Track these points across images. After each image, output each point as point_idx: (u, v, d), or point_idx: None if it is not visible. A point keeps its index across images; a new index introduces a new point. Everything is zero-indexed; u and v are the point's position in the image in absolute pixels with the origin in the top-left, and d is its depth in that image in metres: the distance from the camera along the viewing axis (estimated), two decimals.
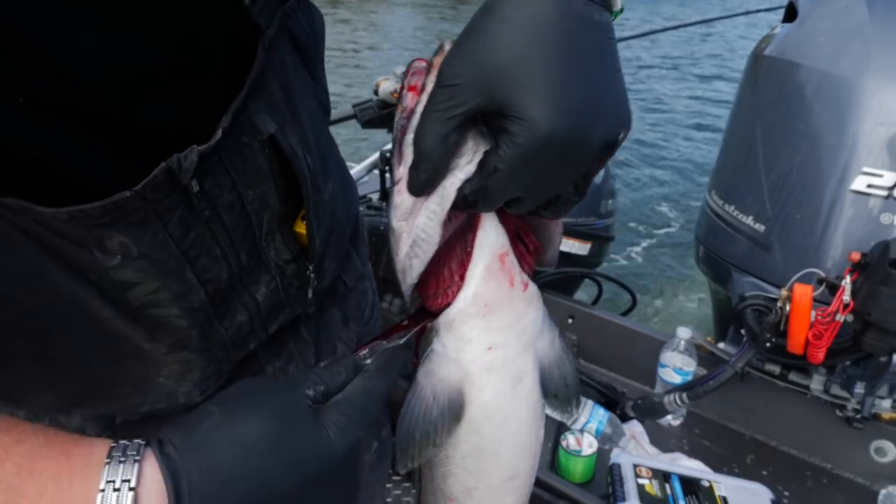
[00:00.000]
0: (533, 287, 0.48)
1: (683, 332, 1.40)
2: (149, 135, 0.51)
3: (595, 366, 1.65)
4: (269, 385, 0.43)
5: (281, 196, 0.62)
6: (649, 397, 1.38)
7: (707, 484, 1.18)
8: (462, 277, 0.45)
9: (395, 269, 0.47)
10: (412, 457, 0.48)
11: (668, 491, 1.17)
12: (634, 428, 1.44)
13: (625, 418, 1.44)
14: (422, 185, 0.43)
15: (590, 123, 0.39)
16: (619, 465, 1.23)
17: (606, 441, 1.37)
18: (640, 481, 1.18)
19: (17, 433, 0.40)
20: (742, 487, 1.17)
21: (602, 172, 1.97)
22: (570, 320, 1.70)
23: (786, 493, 1.27)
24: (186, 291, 0.57)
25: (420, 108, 0.42)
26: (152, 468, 0.38)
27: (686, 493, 1.17)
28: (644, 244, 3.58)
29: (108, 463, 0.38)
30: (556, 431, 1.37)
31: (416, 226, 0.44)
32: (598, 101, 0.39)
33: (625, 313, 1.83)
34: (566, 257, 1.85)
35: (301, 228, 0.68)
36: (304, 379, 0.44)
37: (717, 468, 1.30)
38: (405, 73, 0.44)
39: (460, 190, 0.42)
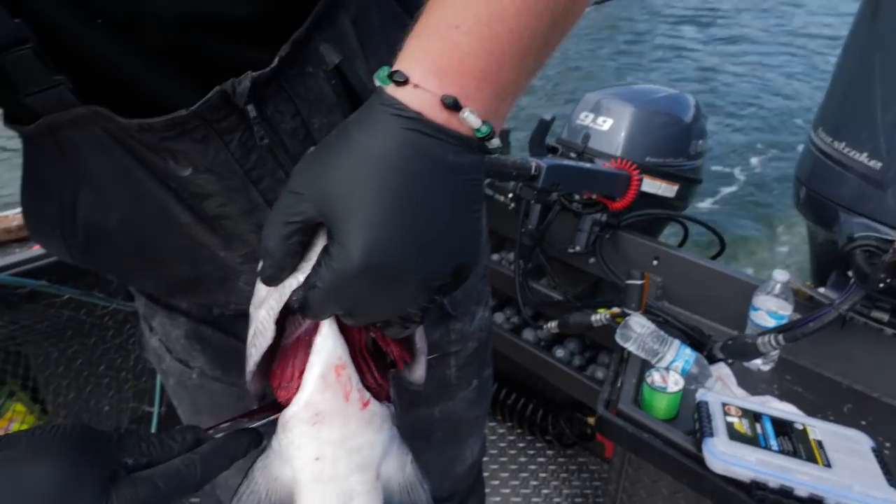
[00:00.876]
0: (376, 406, 0.47)
1: (780, 275, 1.35)
2: (217, 63, 0.54)
3: (680, 308, 1.62)
4: (89, 439, 0.41)
5: None
6: (741, 337, 1.35)
7: (801, 427, 1.15)
8: (301, 379, 0.45)
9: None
10: None
11: (759, 430, 1.14)
12: (722, 370, 1.41)
13: (712, 360, 1.41)
14: (266, 280, 0.44)
15: (408, 261, 0.39)
16: (706, 403, 1.21)
17: (692, 381, 1.35)
18: (729, 419, 1.16)
19: None
20: (839, 433, 1.14)
21: (692, 111, 1.89)
22: (654, 262, 1.67)
23: (887, 445, 1.22)
24: (252, 209, 0.62)
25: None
26: None
27: (778, 433, 1.14)
28: (733, 188, 3.44)
29: None
30: (640, 368, 1.36)
31: (258, 317, 0.45)
32: (421, 240, 0.38)
33: (713, 258, 1.78)
34: (651, 199, 1.80)
35: None
36: (133, 446, 0.43)
37: (810, 415, 1.27)
38: None
39: (292, 294, 0.43)
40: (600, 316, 1.58)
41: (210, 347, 0.78)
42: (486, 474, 1.59)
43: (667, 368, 1.33)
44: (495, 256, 1.96)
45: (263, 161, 0.59)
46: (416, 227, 0.38)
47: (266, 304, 0.45)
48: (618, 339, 1.41)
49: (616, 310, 1.55)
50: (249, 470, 0.48)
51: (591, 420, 1.77)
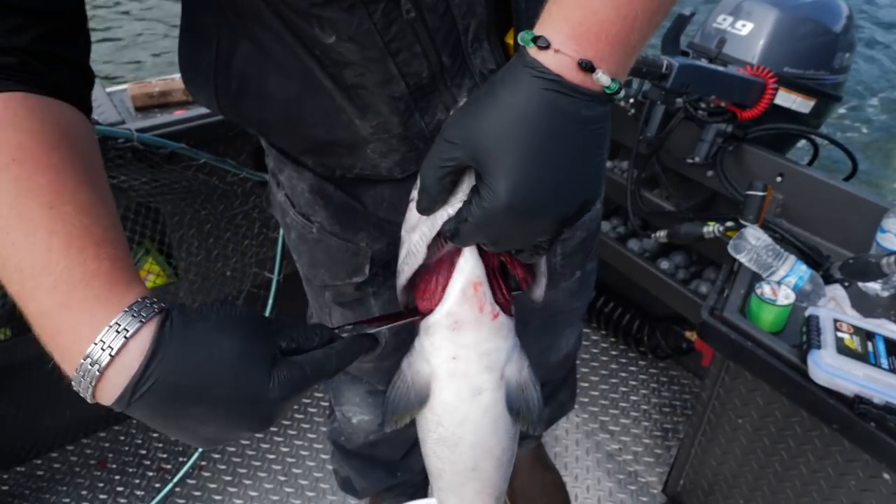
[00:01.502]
0: (504, 319, 0.56)
1: None
2: None
3: (799, 229, 1.54)
4: (259, 323, 0.49)
5: (491, 6, 0.65)
6: (864, 257, 1.28)
7: None
8: (443, 292, 0.53)
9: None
10: (394, 422, 0.57)
11: (871, 348, 1.10)
12: (836, 292, 1.34)
13: (828, 281, 1.35)
14: (422, 210, 0.52)
15: (545, 203, 0.45)
16: (817, 317, 1.17)
17: (804, 298, 1.30)
18: (840, 335, 1.12)
19: (98, 238, 0.48)
20: None
21: (843, 20, 1.73)
22: (778, 178, 1.58)
23: None
24: (388, 80, 0.66)
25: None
26: (148, 332, 0.45)
27: (890, 353, 1.09)
28: (872, 110, 3.13)
29: (126, 311, 0.46)
30: (750, 280, 1.32)
31: (411, 240, 0.53)
32: (556, 184, 0.45)
33: (844, 180, 1.66)
34: (784, 112, 1.68)
35: (511, 41, 0.70)
36: (286, 331, 0.50)
37: None
38: None
39: (444, 223, 0.50)
40: (712, 228, 1.53)
41: (331, 204, 0.84)
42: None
43: (778, 282, 1.29)
44: (608, 164, 1.92)
45: (403, 34, 0.63)
46: (552, 173, 0.44)
47: (419, 230, 0.53)
48: (730, 249, 1.37)
49: (730, 223, 1.50)
50: (400, 366, 0.58)
51: (689, 334, 1.75)
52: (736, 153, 1.65)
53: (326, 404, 1.79)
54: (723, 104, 1.56)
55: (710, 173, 1.70)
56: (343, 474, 1.40)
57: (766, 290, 1.25)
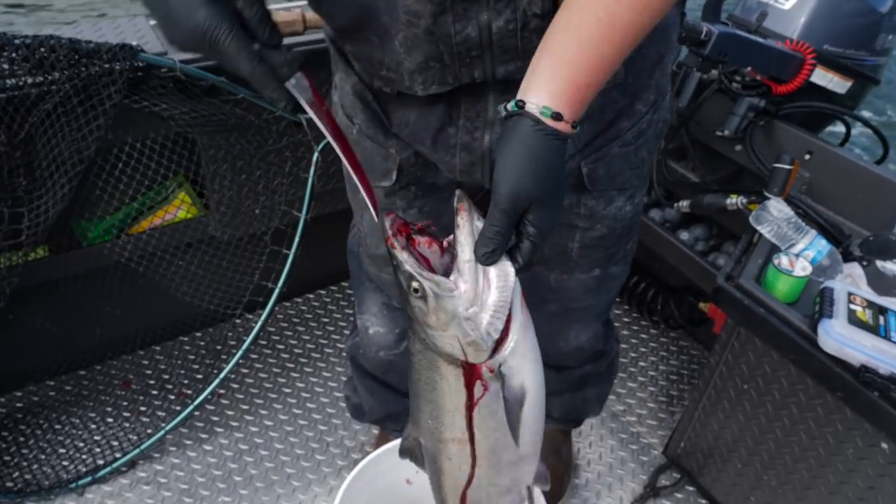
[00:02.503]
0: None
1: None
2: None
3: (823, 207, 1.55)
4: None
5: None
6: (886, 234, 1.29)
7: None
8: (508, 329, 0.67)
9: (468, 342, 0.66)
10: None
11: (882, 321, 1.12)
12: (854, 270, 1.36)
13: (846, 258, 1.37)
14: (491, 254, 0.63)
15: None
16: (832, 289, 1.19)
17: (821, 273, 1.32)
18: (853, 307, 1.14)
19: None
20: None
21: (891, 1, 1.70)
22: (807, 156, 1.58)
23: None
24: None
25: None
26: None
27: None
28: None
29: None
30: (768, 251, 1.34)
31: (491, 302, 0.65)
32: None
33: (876, 164, 1.66)
34: (819, 91, 1.68)
35: None
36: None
37: None
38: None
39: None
40: (736, 200, 1.55)
41: (369, 109, 0.92)
42: None
43: (797, 255, 1.31)
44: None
45: None
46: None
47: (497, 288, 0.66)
48: (751, 220, 1.38)
49: (753, 197, 1.52)
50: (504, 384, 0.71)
51: (702, 306, 1.78)
52: (766, 128, 1.65)
53: (343, 346, 1.85)
54: (759, 77, 1.56)
55: (738, 147, 1.70)
56: (354, 401, 1.46)
57: (783, 260, 1.27)
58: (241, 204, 1.63)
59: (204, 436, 1.61)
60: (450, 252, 0.67)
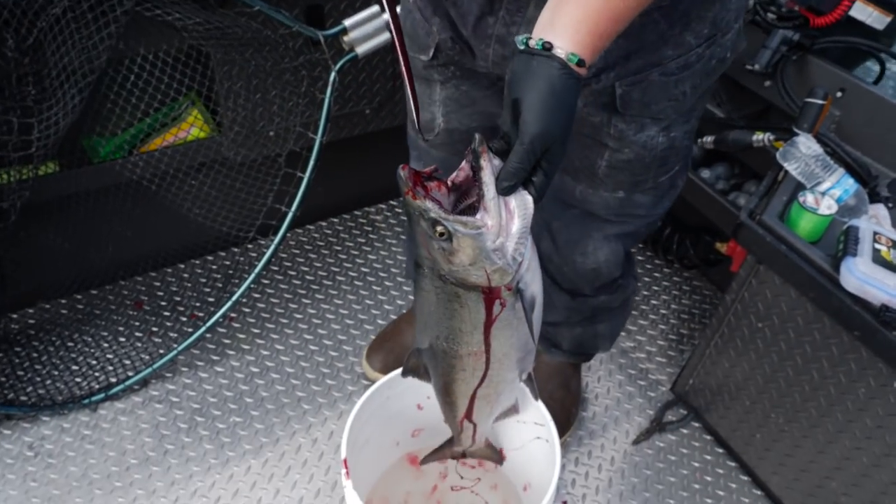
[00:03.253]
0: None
1: None
2: None
3: (852, 147, 1.50)
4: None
5: None
6: None
7: None
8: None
9: (494, 270, 0.70)
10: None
11: None
12: (879, 211, 1.33)
13: (873, 199, 1.33)
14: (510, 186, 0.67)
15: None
16: (857, 227, 1.16)
17: (846, 212, 1.29)
18: (878, 246, 1.12)
19: None
20: None
21: None
22: (839, 94, 1.53)
23: None
24: None
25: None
26: None
27: None
28: None
29: None
30: (793, 189, 1.31)
31: (515, 231, 0.69)
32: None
33: None
34: (856, 26, 1.60)
35: None
36: None
37: None
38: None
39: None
40: (762, 137, 1.50)
41: None
42: None
43: (823, 193, 1.27)
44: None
45: None
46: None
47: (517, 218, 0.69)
48: (778, 157, 1.34)
49: (780, 135, 1.47)
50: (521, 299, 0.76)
51: (719, 245, 1.75)
52: (799, 63, 1.59)
53: (355, 274, 1.85)
54: (796, 8, 1.50)
55: (767, 83, 1.64)
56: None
57: (808, 198, 1.24)
58: (255, 124, 1.59)
59: (215, 357, 1.63)
60: (455, 191, 0.70)
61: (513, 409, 1.07)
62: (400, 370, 1.23)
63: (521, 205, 0.68)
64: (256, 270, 1.52)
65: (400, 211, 2.05)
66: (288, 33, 1.40)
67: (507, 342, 0.81)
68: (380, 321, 1.73)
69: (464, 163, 0.69)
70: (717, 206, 1.67)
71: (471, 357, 0.83)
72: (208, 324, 1.55)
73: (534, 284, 0.76)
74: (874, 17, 1.63)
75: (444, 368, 0.88)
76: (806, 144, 1.32)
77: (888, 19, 1.64)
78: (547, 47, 0.64)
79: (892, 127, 1.46)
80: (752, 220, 1.24)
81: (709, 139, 1.62)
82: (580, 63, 0.64)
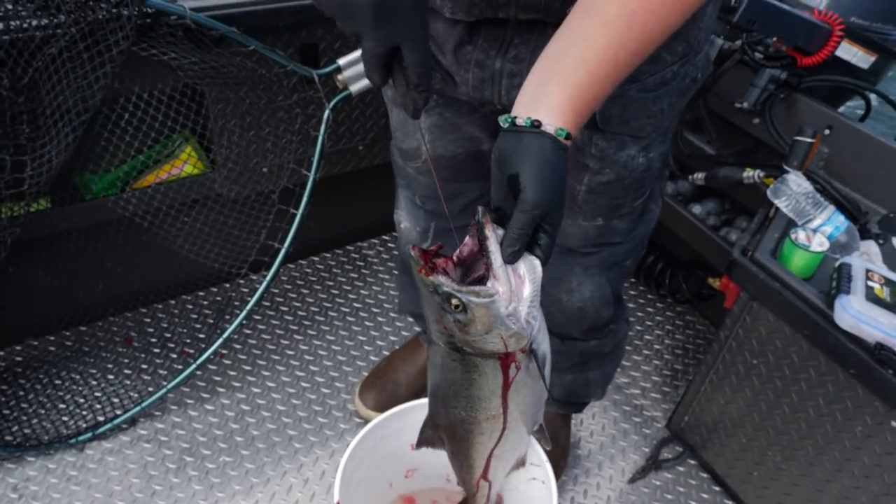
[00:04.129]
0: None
1: None
2: None
3: (841, 184, 1.52)
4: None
5: None
6: None
7: None
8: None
9: (510, 335, 0.71)
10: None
11: None
12: (870, 247, 1.34)
13: (863, 236, 1.34)
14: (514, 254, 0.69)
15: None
16: (850, 265, 1.17)
17: (837, 250, 1.30)
18: (871, 284, 1.13)
19: None
20: None
21: None
22: (826, 131, 1.55)
23: None
24: None
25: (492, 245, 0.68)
26: None
27: None
28: None
29: None
30: (785, 226, 1.32)
31: (527, 295, 0.70)
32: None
33: None
34: (841, 65, 1.64)
35: None
36: None
37: None
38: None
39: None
40: (752, 174, 1.52)
41: None
42: None
43: (814, 230, 1.28)
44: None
45: None
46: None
47: (529, 282, 0.71)
48: (769, 194, 1.36)
49: (769, 171, 1.49)
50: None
51: (711, 281, 1.76)
52: (787, 102, 1.61)
53: (348, 310, 1.84)
54: (784, 48, 1.53)
55: (756, 121, 1.67)
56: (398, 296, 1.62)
57: (800, 235, 1.25)
58: (248, 161, 1.60)
59: (206, 395, 1.61)
60: (461, 266, 0.72)
61: (522, 461, 1.08)
62: (393, 410, 1.22)
63: (530, 269, 0.69)
64: (248, 307, 1.51)
65: (392, 246, 2.05)
66: (282, 72, 1.41)
67: (524, 401, 0.84)
68: (372, 358, 1.72)
69: (467, 238, 0.71)
70: (709, 241, 1.68)
71: (489, 421, 0.85)
72: (198, 361, 1.53)
73: (544, 342, 0.78)
74: (859, 57, 1.67)
75: (461, 435, 0.90)
76: (796, 182, 1.34)
77: (872, 59, 1.68)
78: (536, 125, 0.68)
79: (881, 164, 1.48)
80: (745, 256, 1.25)
81: (700, 175, 1.64)
82: (567, 136, 0.68)
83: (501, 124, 0.70)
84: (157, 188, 1.55)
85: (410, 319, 1.82)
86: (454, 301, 0.68)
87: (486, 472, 1.00)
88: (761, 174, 1.50)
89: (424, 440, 0.98)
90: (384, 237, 2.07)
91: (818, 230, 1.29)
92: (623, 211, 1.10)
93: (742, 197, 1.72)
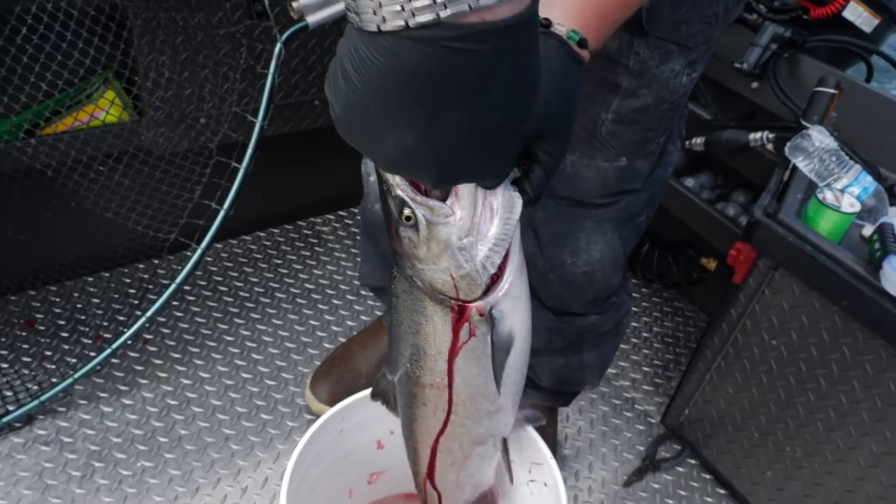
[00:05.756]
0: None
1: None
2: None
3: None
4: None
5: None
6: None
7: None
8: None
9: (461, 275, 0.59)
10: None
11: None
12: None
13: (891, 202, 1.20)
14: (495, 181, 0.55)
15: None
16: (891, 224, 1.01)
17: (864, 215, 1.14)
18: None
19: None
20: None
21: None
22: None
23: None
24: None
25: None
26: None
27: None
28: None
29: None
30: (805, 188, 1.16)
31: (491, 234, 0.57)
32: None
33: None
34: (846, 26, 1.51)
35: None
36: None
37: None
38: None
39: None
40: (760, 135, 1.36)
41: None
42: None
43: (841, 190, 1.13)
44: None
45: None
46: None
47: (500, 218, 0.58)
48: (787, 151, 1.20)
49: (781, 134, 1.34)
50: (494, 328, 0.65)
51: (706, 261, 1.60)
52: (790, 62, 1.47)
53: (298, 291, 1.60)
54: None
55: (754, 85, 1.53)
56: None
57: (828, 195, 1.09)
58: (182, 108, 1.35)
59: (123, 387, 1.34)
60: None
61: (489, 496, 0.89)
62: (354, 397, 0.99)
63: (507, 205, 0.56)
64: (179, 279, 1.25)
65: (350, 222, 1.81)
66: None
67: (474, 382, 0.69)
68: (326, 345, 1.48)
69: None
70: (705, 216, 1.51)
71: (433, 389, 0.71)
72: (115, 345, 1.26)
73: (514, 318, 0.64)
74: (864, 19, 1.55)
75: (406, 399, 0.75)
76: (819, 137, 1.18)
77: (876, 22, 1.56)
78: (544, 24, 0.55)
79: (894, 128, 1.35)
80: (771, 218, 1.08)
81: (699, 140, 1.48)
82: (582, 43, 0.56)
83: None
84: (75, 135, 1.28)
85: (371, 303, 1.59)
86: (406, 211, 0.57)
87: (432, 471, 0.82)
88: (770, 136, 1.34)
89: (378, 392, 0.84)
90: (341, 213, 1.83)
91: (845, 190, 1.13)
92: (650, 148, 0.92)
93: (741, 166, 1.56)
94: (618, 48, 0.80)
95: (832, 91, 1.22)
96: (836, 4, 1.36)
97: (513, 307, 0.64)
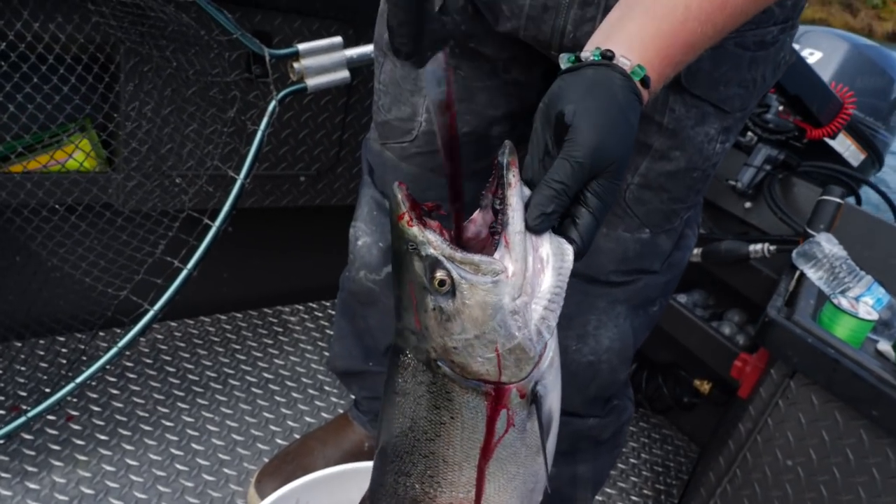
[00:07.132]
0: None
1: None
2: None
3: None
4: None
5: None
6: None
7: None
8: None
9: (510, 348, 0.48)
10: None
11: None
12: None
13: None
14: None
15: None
16: None
17: (880, 328, 1.07)
18: None
19: None
20: None
21: None
22: None
23: None
24: None
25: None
26: None
27: None
28: None
29: None
30: (816, 296, 1.09)
31: (545, 289, 0.49)
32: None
33: None
34: (833, 157, 1.54)
35: None
36: None
37: None
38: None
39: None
40: (761, 247, 1.32)
41: None
42: None
43: (855, 299, 1.06)
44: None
45: None
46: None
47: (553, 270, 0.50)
48: (795, 258, 1.15)
49: (778, 246, 1.30)
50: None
51: (699, 383, 1.49)
52: (784, 183, 1.47)
53: (254, 379, 1.43)
54: (791, 119, 1.40)
55: (748, 205, 1.51)
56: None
57: (843, 301, 1.03)
58: (159, 165, 1.27)
59: (31, 469, 1.13)
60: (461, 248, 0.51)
61: None
62: (313, 476, 0.84)
63: (558, 254, 0.48)
64: (122, 342, 1.09)
65: (321, 315, 1.68)
66: (225, 41, 1.13)
67: (508, 487, 0.54)
68: (279, 440, 1.30)
69: (476, 212, 0.51)
70: (700, 333, 1.43)
71: None
72: (30, 415, 1.08)
73: (553, 393, 0.53)
74: (851, 151, 1.58)
75: None
76: (828, 245, 1.13)
77: (862, 157, 1.60)
78: (607, 56, 0.52)
79: (888, 249, 1.32)
80: (787, 319, 1.00)
81: (696, 251, 1.43)
82: (645, 82, 0.52)
83: (562, 64, 0.52)
84: (25, 179, 1.18)
85: (335, 399, 1.43)
86: (439, 274, 0.46)
87: None
88: (771, 247, 1.30)
89: None
90: (312, 304, 1.70)
91: (859, 300, 1.07)
92: (674, 223, 0.85)
93: (738, 282, 1.50)
94: (652, 104, 0.75)
95: (838, 200, 1.20)
96: (832, 126, 1.38)
97: (553, 381, 0.53)
